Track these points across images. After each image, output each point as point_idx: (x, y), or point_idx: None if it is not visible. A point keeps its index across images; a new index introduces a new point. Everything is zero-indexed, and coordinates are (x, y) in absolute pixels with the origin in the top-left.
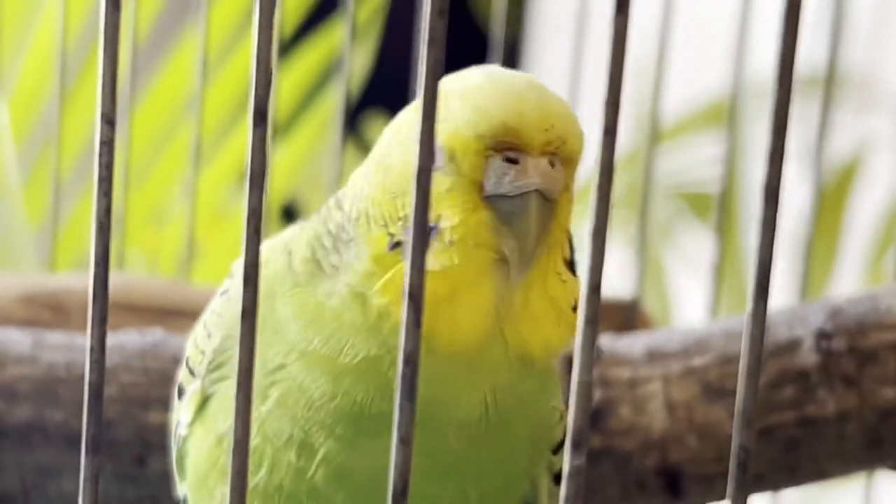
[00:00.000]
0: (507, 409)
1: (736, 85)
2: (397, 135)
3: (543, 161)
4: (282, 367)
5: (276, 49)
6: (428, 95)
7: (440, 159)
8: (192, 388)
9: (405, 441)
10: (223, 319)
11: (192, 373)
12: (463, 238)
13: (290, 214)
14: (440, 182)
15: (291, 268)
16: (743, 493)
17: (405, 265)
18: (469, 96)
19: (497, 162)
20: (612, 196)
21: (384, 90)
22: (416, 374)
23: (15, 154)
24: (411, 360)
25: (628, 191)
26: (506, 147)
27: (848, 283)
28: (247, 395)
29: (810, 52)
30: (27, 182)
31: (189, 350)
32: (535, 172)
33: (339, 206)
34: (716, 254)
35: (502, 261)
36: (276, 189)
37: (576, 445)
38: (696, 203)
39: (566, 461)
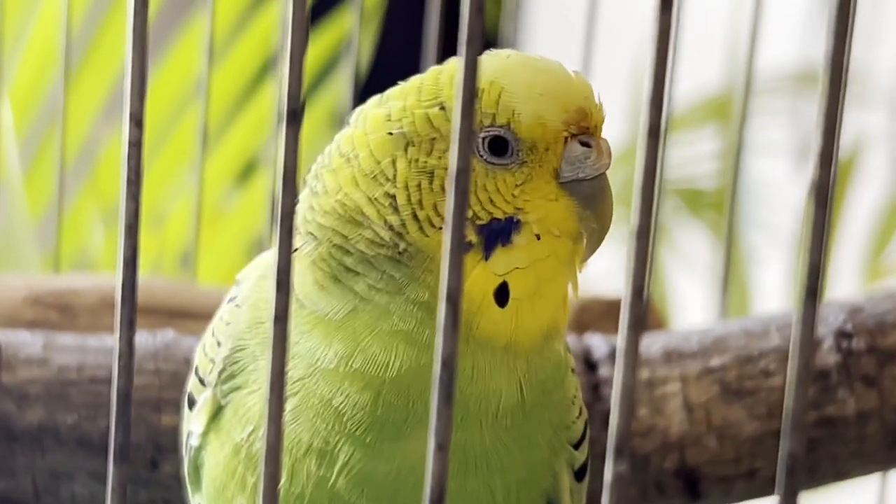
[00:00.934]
0: (532, 393)
1: (747, 82)
2: (434, 130)
3: (605, 140)
4: (298, 379)
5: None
6: (466, 94)
7: (512, 152)
8: (204, 398)
9: (442, 447)
10: (231, 328)
11: (202, 382)
12: (550, 229)
13: None
14: (513, 176)
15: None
16: (792, 497)
17: (490, 265)
18: (532, 84)
19: (575, 147)
20: (656, 196)
21: (387, 81)
22: (453, 378)
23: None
24: (449, 364)
25: (626, 187)
26: (582, 131)
27: (846, 280)
28: (279, 399)
29: (807, 48)
30: (26, 178)
31: (198, 359)
32: (605, 153)
33: (354, 221)
34: (722, 258)
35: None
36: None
37: (618, 451)
38: (690, 199)
39: (608, 468)
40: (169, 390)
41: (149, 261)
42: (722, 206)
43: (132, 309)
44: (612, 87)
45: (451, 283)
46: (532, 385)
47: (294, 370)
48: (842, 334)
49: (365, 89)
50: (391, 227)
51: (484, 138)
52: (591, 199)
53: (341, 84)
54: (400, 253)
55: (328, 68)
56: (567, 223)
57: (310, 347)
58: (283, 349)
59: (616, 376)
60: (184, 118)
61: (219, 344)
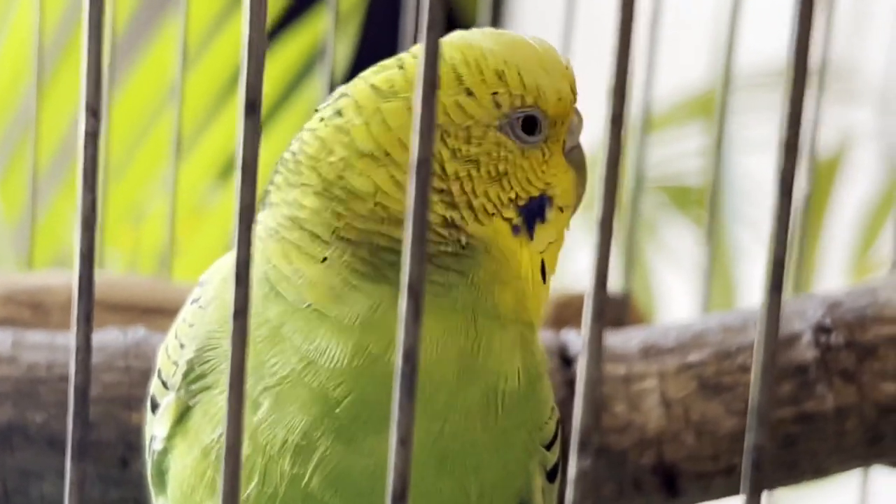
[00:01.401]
0: (527, 377)
1: (726, 77)
2: (468, 118)
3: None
4: (281, 376)
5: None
6: (427, 82)
7: (540, 130)
8: (167, 401)
9: (404, 442)
10: (195, 329)
11: (165, 385)
12: (567, 201)
13: None
14: (541, 153)
15: (274, 281)
16: (757, 492)
17: (534, 244)
18: (541, 61)
19: (575, 118)
20: (619, 185)
21: None
22: (415, 371)
23: None
24: (411, 357)
25: None
26: (575, 101)
27: (833, 277)
28: (239, 397)
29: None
30: (2, 177)
31: (161, 361)
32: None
33: (400, 222)
34: (706, 255)
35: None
36: (258, 181)
37: (582, 446)
38: (677, 196)
39: (571, 463)
40: (139, 388)
41: (129, 259)
42: (712, 205)
43: (89, 303)
44: (592, 79)
45: (412, 274)
46: (528, 371)
47: (277, 366)
48: (820, 329)
49: None
50: (449, 223)
51: (518, 119)
52: (581, 165)
53: (316, 88)
54: (463, 247)
55: (305, 70)
56: (573, 192)
57: (298, 344)
58: (244, 345)
59: (580, 368)
60: (164, 117)
61: (182, 346)
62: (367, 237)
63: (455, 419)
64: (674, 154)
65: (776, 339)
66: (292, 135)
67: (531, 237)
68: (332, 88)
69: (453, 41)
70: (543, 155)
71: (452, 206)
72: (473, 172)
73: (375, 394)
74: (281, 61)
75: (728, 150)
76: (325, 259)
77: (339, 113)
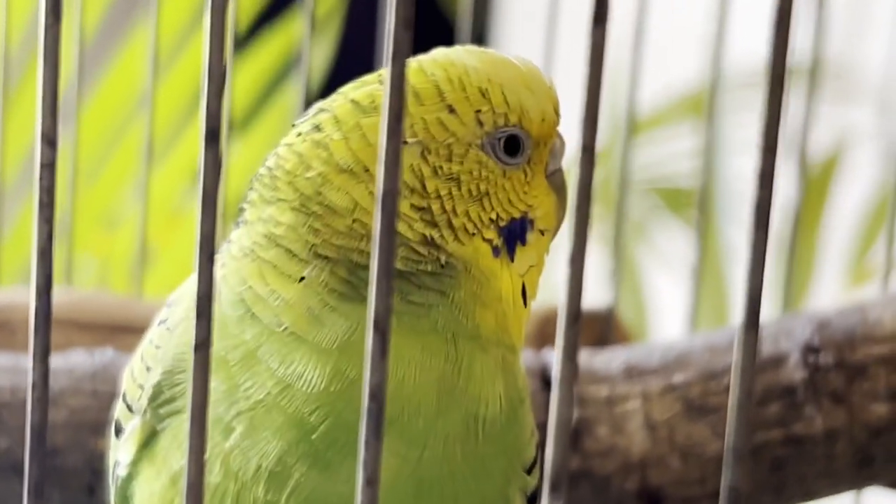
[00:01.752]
0: (510, 404)
1: (714, 77)
2: (450, 135)
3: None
4: (257, 399)
5: (230, 53)
6: (392, 112)
7: (523, 150)
8: (132, 426)
9: (371, 482)
10: (162, 352)
11: (130, 409)
12: (549, 224)
13: None
14: (523, 174)
15: (250, 303)
16: None
17: (515, 267)
18: (525, 80)
19: (557, 140)
20: (591, 218)
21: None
22: (382, 409)
23: None
24: (378, 395)
25: (601, 186)
26: (557, 124)
27: (830, 281)
28: (200, 432)
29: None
30: None
31: (126, 384)
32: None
33: (370, 237)
34: (696, 258)
35: None
36: (233, 189)
37: (554, 487)
38: (669, 198)
39: None
40: (107, 413)
41: (102, 265)
42: (703, 205)
43: (46, 340)
44: (576, 86)
45: (378, 309)
46: (510, 396)
47: (252, 390)
48: (809, 349)
49: (323, 96)
50: (429, 241)
51: (500, 139)
52: (562, 189)
53: (293, 93)
54: (442, 266)
55: (282, 74)
56: (555, 216)
57: (274, 368)
58: (206, 378)
59: (552, 408)
60: (139, 121)
61: (148, 369)
62: (344, 254)
63: (434, 446)
64: (666, 155)
65: (752, 379)
66: (267, 142)
67: (512, 259)
68: (308, 93)
69: (436, 58)
70: (525, 176)
71: (432, 224)
72: (454, 191)
73: (353, 419)
74: (255, 67)
75: (721, 150)
76: (302, 279)
77: (317, 128)
